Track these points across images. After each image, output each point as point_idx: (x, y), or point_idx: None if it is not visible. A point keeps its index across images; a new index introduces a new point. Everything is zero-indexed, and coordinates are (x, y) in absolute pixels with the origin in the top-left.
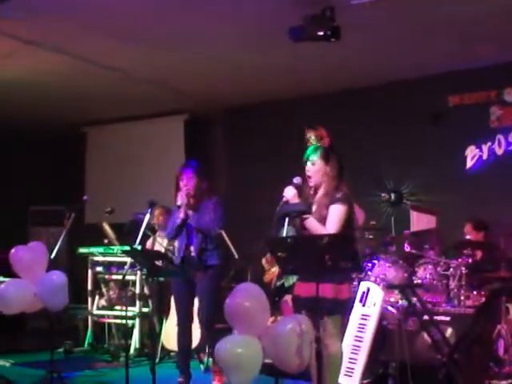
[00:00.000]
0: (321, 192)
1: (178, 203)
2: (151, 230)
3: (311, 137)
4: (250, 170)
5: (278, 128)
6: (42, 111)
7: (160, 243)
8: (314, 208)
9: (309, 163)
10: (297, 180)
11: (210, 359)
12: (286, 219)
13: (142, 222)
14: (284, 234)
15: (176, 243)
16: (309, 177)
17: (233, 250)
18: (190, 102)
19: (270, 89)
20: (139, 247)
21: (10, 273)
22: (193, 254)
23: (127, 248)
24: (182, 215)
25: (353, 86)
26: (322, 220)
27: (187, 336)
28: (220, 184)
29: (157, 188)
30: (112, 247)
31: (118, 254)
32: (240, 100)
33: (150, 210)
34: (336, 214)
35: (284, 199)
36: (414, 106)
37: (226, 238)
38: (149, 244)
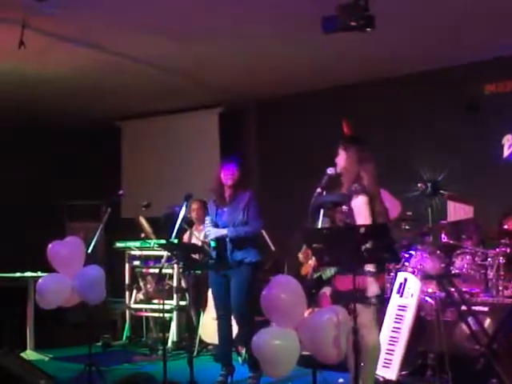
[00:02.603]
0: (342, 184)
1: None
2: (188, 223)
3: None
4: (285, 161)
5: (313, 119)
6: (78, 106)
7: (197, 237)
8: None
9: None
10: (331, 171)
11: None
12: (321, 210)
13: (178, 214)
14: (319, 225)
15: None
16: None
17: (269, 242)
18: (224, 95)
19: (303, 80)
20: (176, 241)
21: (48, 268)
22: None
23: (164, 242)
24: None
25: (388, 75)
26: (340, 213)
27: (227, 329)
28: (254, 176)
29: (193, 181)
30: (149, 241)
31: (154, 247)
32: (274, 92)
33: (185, 203)
34: (362, 207)
35: (318, 190)
36: (449, 95)
37: (263, 231)
38: (185, 238)
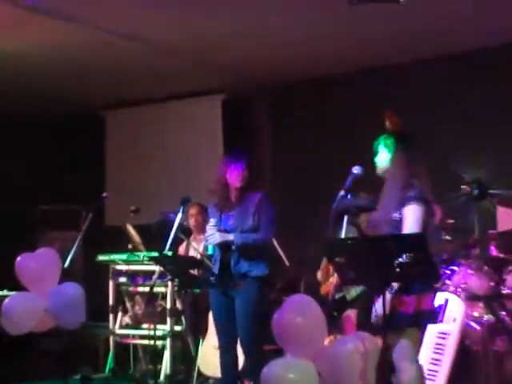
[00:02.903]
0: (386, 189)
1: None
2: (184, 232)
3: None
4: (301, 158)
5: (334, 108)
6: (53, 90)
7: (195, 248)
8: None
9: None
10: (356, 170)
11: None
12: (346, 217)
13: (173, 222)
14: (343, 235)
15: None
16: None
17: (282, 255)
18: (229, 78)
19: (324, 62)
20: (170, 253)
21: (16, 285)
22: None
23: (156, 254)
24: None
25: (424, 56)
26: (389, 223)
27: (231, 359)
28: (264, 175)
29: (191, 182)
30: (137, 253)
31: (144, 261)
32: (289, 76)
33: (182, 209)
34: (414, 217)
35: (341, 192)
36: (496, 77)
37: (275, 242)
38: (182, 249)
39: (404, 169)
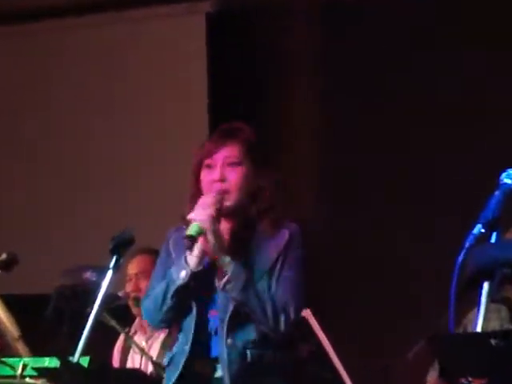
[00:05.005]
0: None
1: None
2: (118, 312)
3: None
4: (366, 131)
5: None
6: None
7: (141, 349)
8: None
9: None
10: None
11: None
12: (486, 284)
13: (95, 291)
14: (480, 324)
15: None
16: None
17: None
18: None
19: None
20: (85, 360)
21: None
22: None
23: (53, 362)
24: (193, 259)
25: None
26: None
27: None
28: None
29: (139, 195)
30: (12, 360)
31: (26, 378)
32: None
33: (115, 262)
34: None
35: (476, 228)
36: None
37: (313, 321)
38: (115, 352)
39: None
